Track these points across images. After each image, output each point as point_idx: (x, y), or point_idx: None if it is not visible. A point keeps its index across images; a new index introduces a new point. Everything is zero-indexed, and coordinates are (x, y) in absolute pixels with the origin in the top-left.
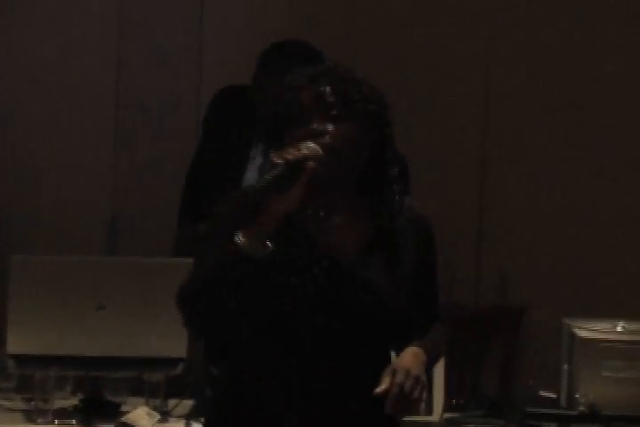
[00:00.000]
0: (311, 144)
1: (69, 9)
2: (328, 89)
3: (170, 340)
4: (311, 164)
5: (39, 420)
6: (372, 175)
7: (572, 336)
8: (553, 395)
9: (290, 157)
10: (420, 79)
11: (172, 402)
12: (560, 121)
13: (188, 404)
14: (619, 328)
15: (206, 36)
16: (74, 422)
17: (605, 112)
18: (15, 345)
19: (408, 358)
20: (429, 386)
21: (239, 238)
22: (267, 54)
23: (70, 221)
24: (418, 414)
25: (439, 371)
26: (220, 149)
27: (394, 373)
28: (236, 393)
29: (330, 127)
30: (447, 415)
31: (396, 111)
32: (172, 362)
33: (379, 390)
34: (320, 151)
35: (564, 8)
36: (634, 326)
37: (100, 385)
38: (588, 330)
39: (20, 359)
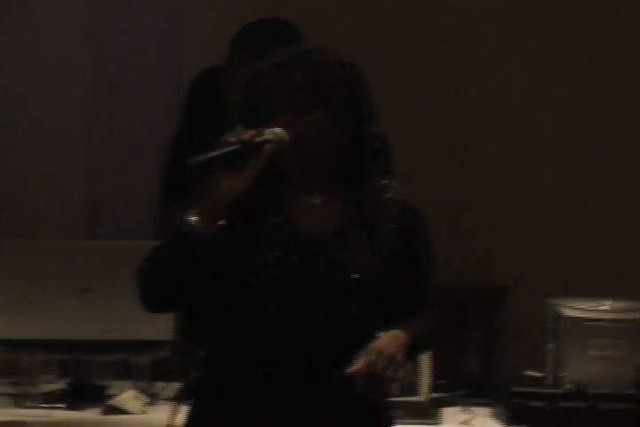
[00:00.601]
0: (277, 130)
1: None
2: (298, 76)
3: (156, 323)
4: (268, 146)
5: (26, 404)
6: (350, 158)
7: (557, 315)
8: (539, 374)
9: (245, 137)
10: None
11: (159, 385)
12: (542, 98)
13: (175, 386)
14: (604, 307)
15: (187, 18)
16: (61, 405)
17: (587, 90)
18: (1, 329)
19: (385, 339)
20: (415, 370)
21: (189, 217)
22: (240, 34)
23: (51, 206)
24: (393, 395)
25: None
26: (198, 131)
27: (366, 353)
28: (218, 374)
29: (297, 117)
30: (433, 395)
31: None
32: (158, 345)
33: (349, 370)
34: (285, 137)
35: None
36: (619, 304)
37: (86, 369)
38: (573, 309)
39: (6, 343)
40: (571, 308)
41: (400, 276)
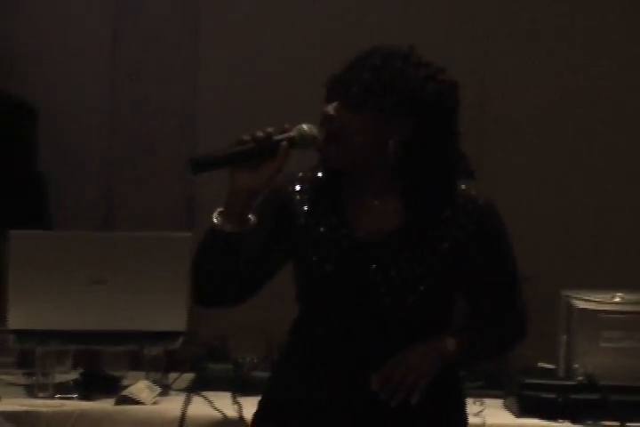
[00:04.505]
0: (307, 126)
1: None
2: (357, 76)
3: (169, 314)
4: (284, 144)
5: (40, 394)
6: (408, 163)
7: (570, 307)
8: (551, 366)
9: (260, 135)
10: None
11: (172, 376)
12: (557, 84)
13: (188, 377)
14: (617, 299)
15: (203, 6)
16: (74, 396)
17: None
18: (15, 320)
19: (421, 345)
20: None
21: (215, 216)
22: None
23: (67, 197)
24: (415, 400)
25: None
26: None
27: (394, 359)
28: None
29: (340, 114)
30: None
31: None
32: (171, 336)
33: (376, 374)
34: (316, 133)
35: None
36: (632, 296)
37: (99, 359)
38: (586, 301)
39: (21, 334)
40: (583, 300)
41: (475, 277)
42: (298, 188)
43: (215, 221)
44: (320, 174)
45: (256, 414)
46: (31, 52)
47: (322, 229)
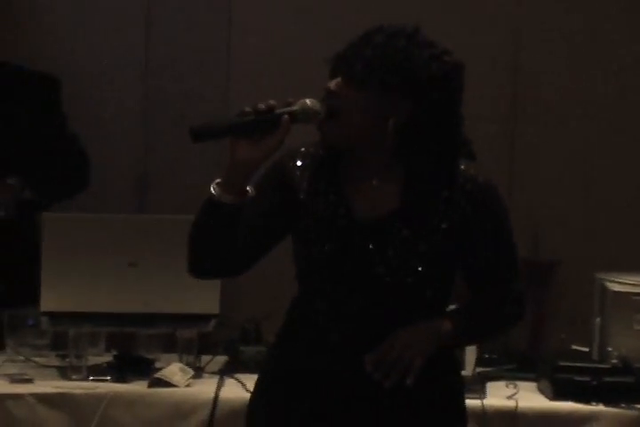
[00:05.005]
0: (310, 101)
1: None
2: (361, 53)
3: (202, 296)
4: (286, 118)
5: (73, 376)
6: (408, 143)
7: (604, 290)
8: (585, 349)
9: (262, 107)
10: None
11: (205, 358)
12: (595, 71)
13: (220, 360)
14: None
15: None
16: (108, 378)
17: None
18: (49, 303)
19: (416, 326)
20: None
21: (213, 186)
22: None
23: (100, 180)
24: (410, 381)
25: None
26: None
27: (387, 340)
28: (282, 346)
29: (342, 90)
30: (479, 370)
31: None
32: (204, 318)
33: (368, 356)
34: (319, 109)
35: None
36: None
37: (133, 342)
38: (620, 284)
39: (54, 317)
40: (617, 282)
41: (473, 257)
42: (299, 163)
43: (213, 191)
44: (321, 152)
45: (255, 389)
46: (63, 39)
47: (320, 207)
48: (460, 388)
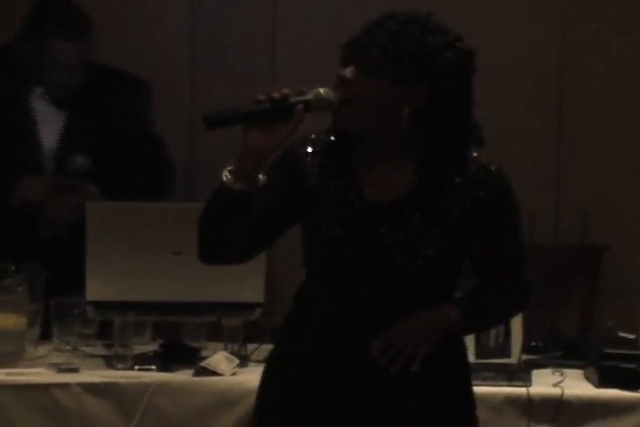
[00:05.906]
0: (324, 90)
1: None
2: (374, 41)
3: (247, 285)
4: (300, 107)
5: (119, 365)
6: (421, 130)
7: None
8: (632, 336)
9: (276, 95)
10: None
11: (250, 347)
12: None
13: (266, 348)
14: None
15: None
16: (153, 367)
17: None
18: (94, 291)
19: (423, 313)
20: (507, 332)
21: (225, 173)
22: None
23: None
24: (414, 368)
25: None
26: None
27: (394, 327)
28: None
29: (356, 78)
30: (525, 357)
31: None
32: (250, 307)
33: (374, 341)
34: (333, 97)
35: None
36: None
37: (179, 330)
38: None
39: (100, 305)
40: None
41: (482, 244)
42: (310, 149)
43: (225, 178)
44: (332, 138)
45: (266, 368)
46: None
47: (331, 190)
48: (467, 374)
